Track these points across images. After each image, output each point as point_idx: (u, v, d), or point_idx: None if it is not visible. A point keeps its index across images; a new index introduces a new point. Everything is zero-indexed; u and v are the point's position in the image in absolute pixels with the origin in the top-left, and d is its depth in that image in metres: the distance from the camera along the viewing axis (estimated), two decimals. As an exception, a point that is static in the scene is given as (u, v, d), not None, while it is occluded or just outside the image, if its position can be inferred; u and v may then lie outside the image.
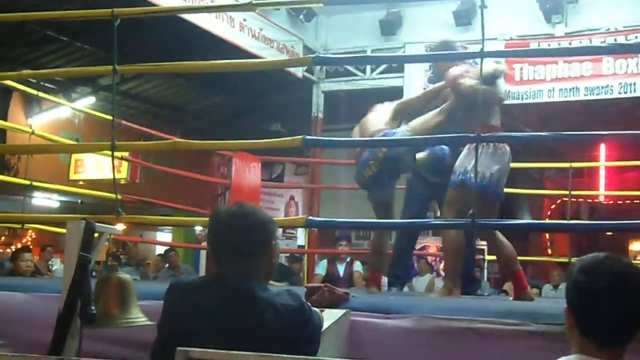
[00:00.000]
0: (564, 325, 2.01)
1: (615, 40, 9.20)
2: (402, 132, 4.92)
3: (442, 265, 12.66)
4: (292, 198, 14.66)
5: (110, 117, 4.88)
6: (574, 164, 8.60)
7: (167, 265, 10.44)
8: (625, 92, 9.36)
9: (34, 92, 7.19)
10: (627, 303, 1.86)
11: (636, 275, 1.91)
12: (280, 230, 6.30)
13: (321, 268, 8.54)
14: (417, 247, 14.50)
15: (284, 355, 1.95)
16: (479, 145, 4.14)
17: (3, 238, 14.70)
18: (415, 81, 10.38)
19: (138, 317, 2.76)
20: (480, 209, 3.88)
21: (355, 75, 11.38)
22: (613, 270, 1.90)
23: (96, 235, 2.85)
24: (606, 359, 1.86)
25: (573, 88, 9.60)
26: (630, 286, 1.88)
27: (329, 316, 3.01)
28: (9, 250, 12.96)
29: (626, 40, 9.21)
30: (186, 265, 10.84)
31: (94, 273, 3.50)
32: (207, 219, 2.57)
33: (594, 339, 1.88)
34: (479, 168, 4.20)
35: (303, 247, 11.51)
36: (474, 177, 4.18)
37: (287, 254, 10.24)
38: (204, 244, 10.92)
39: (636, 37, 9.22)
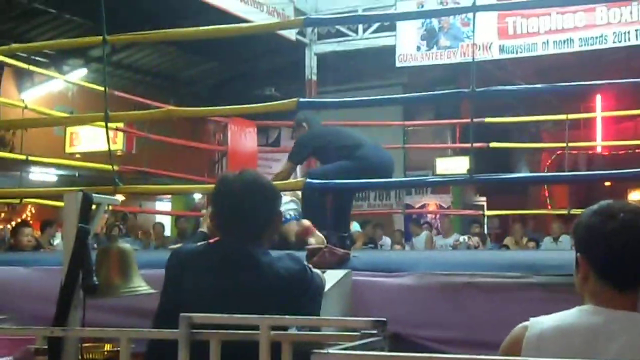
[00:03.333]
0: (573, 277, 1.99)
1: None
2: None
3: (440, 223, 12.75)
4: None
5: (103, 89, 4.84)
6: (571, 116, 8.57)
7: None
8: (619, 42, 9.27)
9: (25, 66, 7.12)
10: None
11: None
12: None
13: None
14: (417, 205, 14.65)
15: (287, 317, 1.95)
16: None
17: (3, 214, 14.67)
18: (407, 39, 10.32)
19: (140, 285, 2.76)
20: None
21: (348, 35, 11.29)
22: (625, 209, 1.90)
23: (94, 207, 2.84)
24: (620, 307, 1.85)
25: (567, 40, 9.51)
26: None
27: (331, 277, 3.02)
28: (9, 226, 12.94)
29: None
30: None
31: (95, 245, 3.50)
32: (205, 186, 2.56)
33: (612, 282, 1.87)
34: None
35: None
36: None
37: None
38: (204, 211, 10.93)
39: (629, -16, 9.12)
